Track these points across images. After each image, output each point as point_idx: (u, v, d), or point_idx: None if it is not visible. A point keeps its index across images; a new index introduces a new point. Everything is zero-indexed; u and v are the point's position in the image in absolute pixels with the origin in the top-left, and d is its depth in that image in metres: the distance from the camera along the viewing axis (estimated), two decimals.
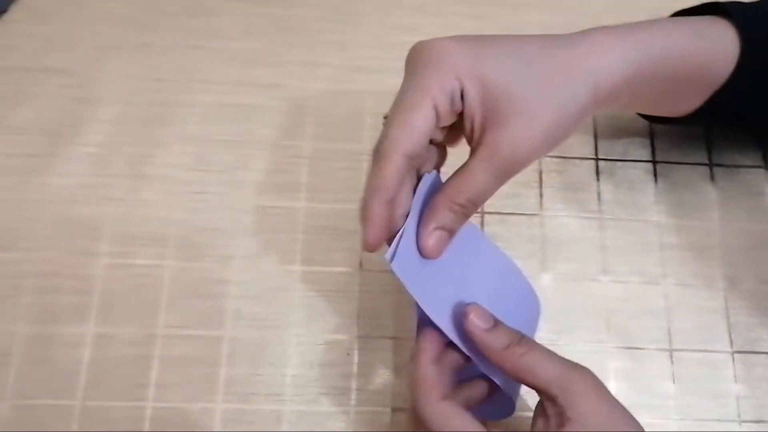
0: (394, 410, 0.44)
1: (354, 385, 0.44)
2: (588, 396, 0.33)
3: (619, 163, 0.51)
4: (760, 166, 0.51)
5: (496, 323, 0.35)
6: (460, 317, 0.35)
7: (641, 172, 0.51)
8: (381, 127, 0.35)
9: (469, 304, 0.35)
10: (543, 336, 0.45)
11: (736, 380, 0.46)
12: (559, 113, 0.33)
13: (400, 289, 0.46)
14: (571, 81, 0.34)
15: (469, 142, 0.35)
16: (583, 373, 0.34)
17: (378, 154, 0.33)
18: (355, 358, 0.45)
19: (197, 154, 0.49)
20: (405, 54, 0.35)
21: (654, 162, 0.51)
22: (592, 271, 0.48)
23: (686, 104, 0.41)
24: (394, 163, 0.32)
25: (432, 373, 0.34)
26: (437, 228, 0.34)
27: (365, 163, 0.49)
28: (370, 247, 0.34)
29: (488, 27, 0.48)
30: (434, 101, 0.32)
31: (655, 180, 0.51)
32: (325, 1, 0.54)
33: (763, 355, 0.47)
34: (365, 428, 0.43)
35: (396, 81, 0.35)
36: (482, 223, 0.48)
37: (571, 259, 0.48)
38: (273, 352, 0.45)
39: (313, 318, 0.46)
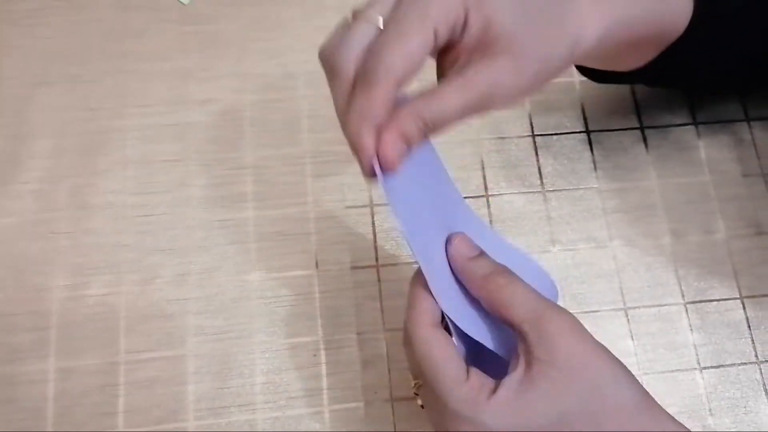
0: (367, 403, 0.44)
1: (324, 384, 0.45)
2: (562, 336, 0.31)
3: (555, 137, 0.52)
4: (689, 123, 0.53)
5: (482, 253, 0.34)
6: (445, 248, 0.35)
7: (577, 143, 0.52)
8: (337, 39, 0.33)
9: (455, 233, 0.35)
10: None
11: (692, 330, 0.47)
12: (543, 66, 0.33)
13: (358, 285, 0.47)
14: (559, 39, 0.34)
15: (443, 64, 0.34)
16: (560, 312, 0.32)
17: (368, 78, 0.30)
18: (323, 358, 0.45)
19: (139, 177, 0.49)
20: None
21: (588, 132, 0.53)
22: (542, 243, 0.49)
23: (638, 60, 0.42)
24: (386, 91, 0.30)
25: (427, 298, 0.33)
26: (401, 135, 0.31)
27: (308, 166, 0.50)
28: (370, 174, 0.31)
29: None
30: (436, 29, 0.30)
31: (591, 149, 0.52)
32: (249, 12, 0.55)
33: (715, 303, 0.48)
34: (341, 426, 0.44)
35: None
36: None
37: (520, 234, 0.49)
38: (239, 363, 0.45)
39: (276, 324, 0.46)
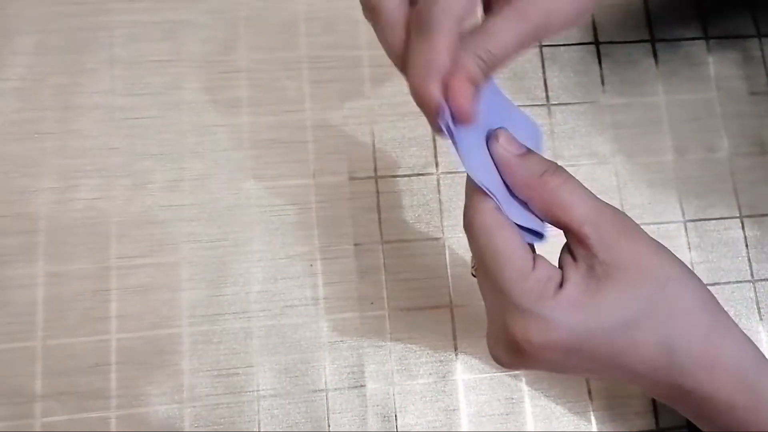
0: (363, 314, 0.44)
1: (321, 294, 0.44)
2: (625, 238, 0.29)
3: (562, 48, 0.50)
4: (700, 38, 0.51)
5: (529, 150, 0.31)
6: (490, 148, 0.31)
7: (585, 55, 0.50)
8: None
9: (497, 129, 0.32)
10: None
11: (690, 248, 0.47)
12: None
13: (356, 196, 0.46)
14: None
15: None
16: (619, 214, 0.30)
17: (425, 21, 0.28)
18: (319, 268, 0.45)
19: (127, 78, 0.47)
20: None
21: (597, 43, 0.51)
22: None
23: None
24: (449, 36, 0.27)
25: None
26: (469, 81, 0.28)
27: (305, 71, 0.48)
28: (441, 129, 0.29)
29: None
30: None
31: (599, 61, 0.50)
32: None
33: (714, 221, 0.48)
34: (337, 335, 0.44)
35: None
36: None
37: None
38: (234, 272, 0.44)
39: (271, 233, 0.45)
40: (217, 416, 0.42)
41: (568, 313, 0.28)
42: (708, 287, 0.43)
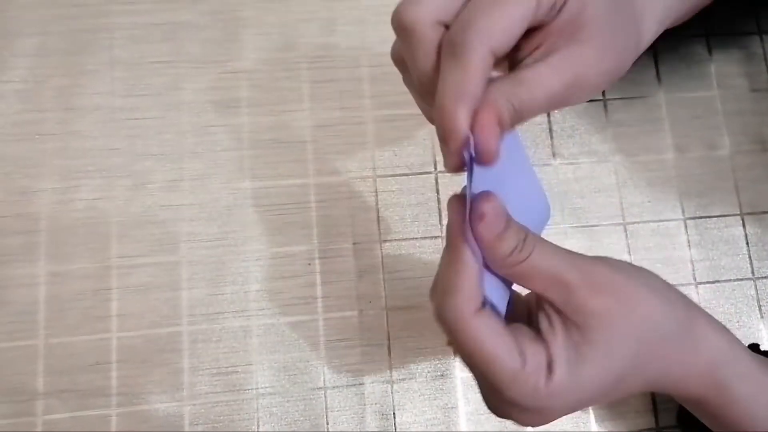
0: (361, 312, 0.44)
1: (319, 293, 0.45)
2: (590, 293, 0.28)
3: None
4: (701, 35, 0.51)
5: (507, 224, 0.29)
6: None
7: None
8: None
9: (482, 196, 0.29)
10: None
11: (690, 245, 0.47)
12: (620, 58, 0.30)
13: (355, 195, 0.46)
14: (632, 35, 0.31)
15: (522, 48, 0.30)
16: (584, 266, 0.29)
17: (459, 46, 0.26)
18: (317, 267, 0.45)
19: (128, 79, 0.47)
20: None
21: None
22: (543, 156, 0.48)
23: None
24: (483, 64, 0.26)
25: (467, 280, 0.28)
26: (498, 119, 0.26)
27: (304, 72, 0.48)
28: (459, 164, 0.27)
29: None
30: None
31: None
32: None
33: (715, 219, 0.48)
34: (335, 334, 0.44)
35: None
36: None
37: None
38: (233, 271, 0.44)
39: (270, 232, 0.45)
40: (216, 414, 0.42)
41: (562, 398, 0.28)
42: (708, 285, 0.43)
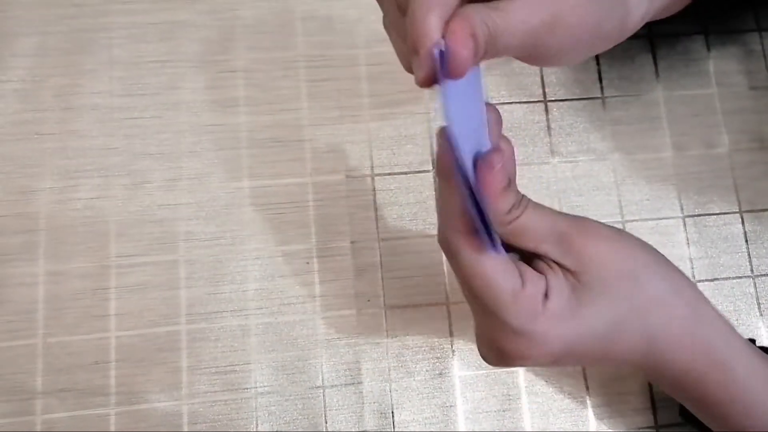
0: (360, 311, 0.44)
1: (318, 292, 0.45)
2: (586, 243, 0.30)
3: None
4: (699, 33, 0.51)
5: (509, 183, 0.30)
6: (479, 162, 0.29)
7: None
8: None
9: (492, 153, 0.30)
10: None
11: (689, 243, 0.47)
12: (602, 20, 0.30)
13: (353, 194, 0.46)
14: (614, 10, 0.30)
15: None
16: (576, 220, 0.31)
17: None
18: (315, 266, 0.45)
19: (126, 79, 0.47)
20: None
21: None
22: (541, 154, 0.48)
23: None
24: None
25: (463, 209, 0.29)
26: (472, 35, 0.26)
27: (302, 70, 0.48)
28: (429, 73, 0.26)
29: None
30: None
31: (596, 58, 0.50)
32: None
33: (714, 216, 0.48)
34: (334, 333, 0.44)
35: None
36: (429, 119, 0.48)
37: (519, 144, 0.48)
38: (231, 270, 0.45)
39: (268, 231, 0.45)
40: (214, 413, 0.42)
41: (558, 325, 0.29)
42: (707, 283, 0.43)
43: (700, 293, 0.33)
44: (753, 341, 0.39)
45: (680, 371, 0.32)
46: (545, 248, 0.30)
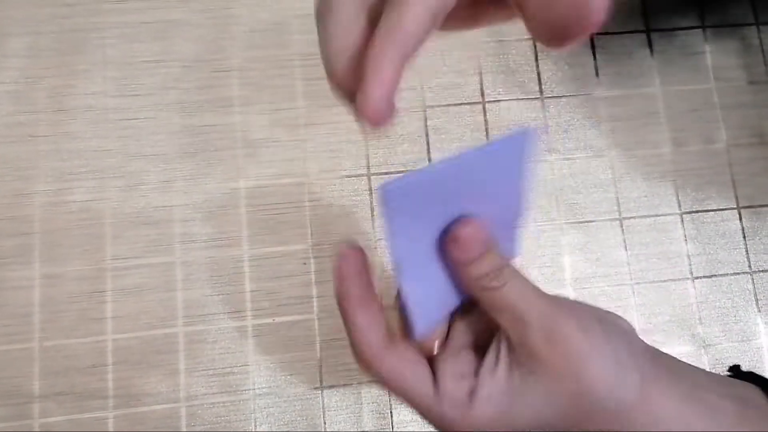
0: None
1: (314, 292, 0.44)
2: (546, 342, 0.28)
3: None
4: (697, 27, 0.51)
5: (489, 248, 0.29)
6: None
7: (580, 47, 0.50)
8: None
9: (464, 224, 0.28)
10: None
11: (686, 240, 0.47)
12: None
13: (349, 194, 0.46)
14: None
15: None
16: (550, 311, 0.28)
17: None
18: (312, 267, 0.45)
19: (120, 79, 0.47)
20: None
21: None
22: (539, 151, 0.48)
23: None
24: (418, 11, 0.23)
25: (365, 316, 0.29)
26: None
27: (298, 69, 0.48)
28: (374, 117, 0.24)
29: None
30: None
31: (594, 53, 0.50)
32: None
33: (712, 213, 0.47)
34: (331, 333, 0.44)
35: None
36: (425, 117, 0.47)
37: None
38: (228, 271, 0.44)
39: (265, 232, 0.45)
40: (213, 415, 0.42)
41: (486, 421, 0.28)
42: (705, 279, 0.43)
43: (659, 363, 0.30)
44: (737, 367, 0.37)
45: None
46: (509, 331, 0.29)
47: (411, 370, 0.29)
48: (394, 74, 0.23)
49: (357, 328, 0.29)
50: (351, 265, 0.29)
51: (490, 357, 0.30)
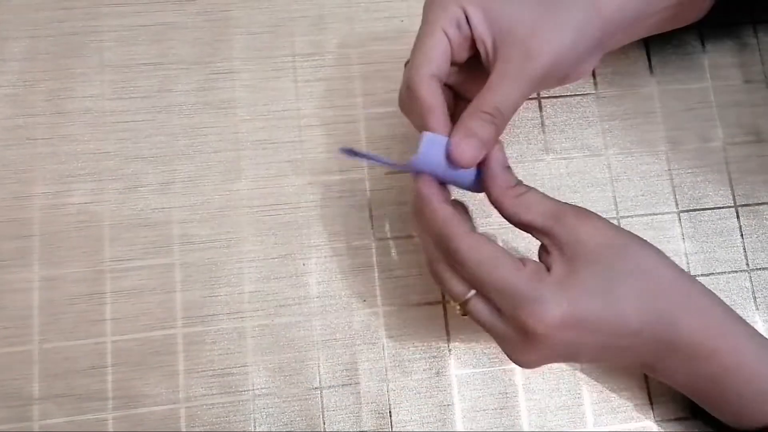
0: (356, 311, 0.44)
1: (314, 293, 0.45)
2: (581, 222, 0.34)
3: None
4: (693, 25, 0.51)
5: (509, 166, 0.36)
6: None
7: None
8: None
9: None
10: (483, 221, 0.45)
11: (684, 238, 0.47)
12: (554, 53, 0.35)
13: (348, 194, 0.46)
14: (564, 24, 0.36)
15: (487, 65, 0.36)
16: (574, 207, 0.35)
17: (407, 83, 0.36)
18: (312, 267, 0.45)
19: (117, 82, 0.47)
20: None
21: None
22: (535, 151, 0.48)
23: (699, 7, 0.42)
24: (426, 82, 0.35)
25: (452, 212, 0.34)
26: (468, 135, 0.34)
27: (299, 70, 0.48)
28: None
29: None
30: (443, 28, 0.35)
31: None
32: None
33: (709, 211, 0.48)
34: (329, 333, 0.44)
35: None
36: None
37: (513, 142, 0.48)
38: (227, 272, 0.44)
39: (264, 233, 0.45)
40: (212, 416, 0.42)
41: (561, 290, 0.32)
42: (703, 278, 0.44)
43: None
44: None
45: (692, 345, 0.34)
46: (548, 223, 0.34)
47: (499, 247, 0.33)
48: (438, 93, 0.36)
49: (450, 220, 0.34)
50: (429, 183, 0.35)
51: (542, 254, 0.35)
